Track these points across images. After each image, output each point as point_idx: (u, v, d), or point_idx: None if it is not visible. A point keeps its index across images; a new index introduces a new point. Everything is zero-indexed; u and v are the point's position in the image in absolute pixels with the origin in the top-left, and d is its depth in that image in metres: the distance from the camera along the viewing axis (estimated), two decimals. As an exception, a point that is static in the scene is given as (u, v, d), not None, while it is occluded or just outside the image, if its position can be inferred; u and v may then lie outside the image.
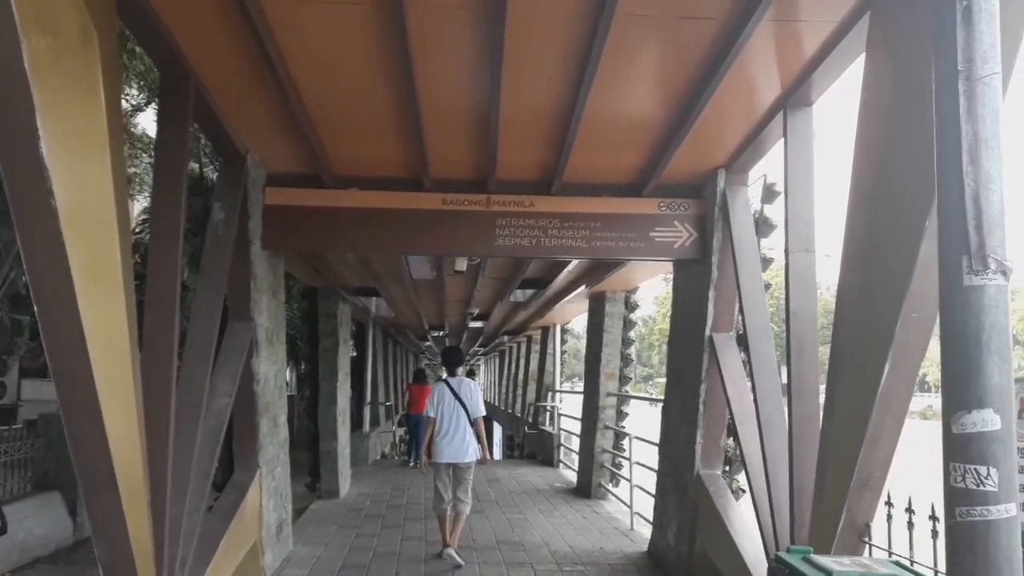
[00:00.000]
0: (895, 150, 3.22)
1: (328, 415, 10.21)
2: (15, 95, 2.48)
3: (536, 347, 17.88)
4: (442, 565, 6.51)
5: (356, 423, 14.74)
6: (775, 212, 5.83)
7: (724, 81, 4.33)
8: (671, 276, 6.87)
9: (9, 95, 2.49)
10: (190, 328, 4.90)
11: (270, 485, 6.21)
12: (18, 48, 2.43)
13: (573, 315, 14.86)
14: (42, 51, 2.55)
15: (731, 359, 5.85)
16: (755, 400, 5.11)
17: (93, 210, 2.96)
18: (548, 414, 15.27)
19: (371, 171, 5.96)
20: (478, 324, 15.20)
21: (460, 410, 6.63)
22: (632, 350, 10.36)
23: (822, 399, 4.40)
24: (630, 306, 10.13)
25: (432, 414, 6.68)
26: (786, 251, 4.58)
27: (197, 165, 8.01)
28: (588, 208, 6.05)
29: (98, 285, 2.98)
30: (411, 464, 14.04)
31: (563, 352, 16.17)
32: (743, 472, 6.00)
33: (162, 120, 4.28)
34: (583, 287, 9.38)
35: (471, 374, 17.76)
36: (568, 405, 14.65)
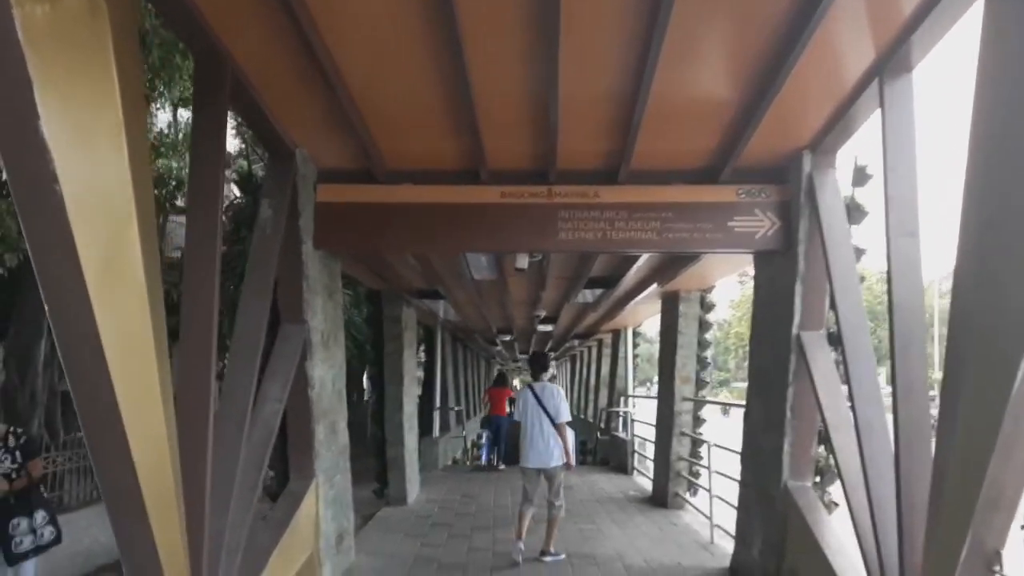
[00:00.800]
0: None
1: (394, 420, 9.99)
2: (9, 69, 2.23)
3: (607, 351, 17.39)
4: (508, 580, 6.17)
5: (426, 428, 14.56)
6: (867, 197, 5.28)
7: (807, 50, 3.88)
8: (749, 273, 6.37)
9: (2, 69, 2.23)
10: (235, 332, 4.66)
11: (328, 494, 5.95)
12: (9, 16, 2.17)
13: (645, 317, 14.33)
14: (38, 19, 2.30)
15: (822, 359, 5.30)
16: (852, 404, 4.56)
17: (108, 200, 2.70)
18: (621, 419, 14.77)
19: (425, 164, 5.65)
20: (547, 327, 14.79)
21: (543, 415, 6.74)
22: (709, 353, 9.79)
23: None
24: (706, 306, 9.56)
25: (517, 418, 6.93)
26: (887, 236, 4.06)
27: (246, 163, 7.87)
28: (658, 197, 5.58)
29: (115, 283, 2.72)
30: (497, 466, 13.95)
31: (635, 356, 15.62)
32: (836, 484, 5.51)
33: (197, 108, 4.04)
34: (655, 286, 8.87)
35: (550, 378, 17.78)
36: (642, 410, 14.11)
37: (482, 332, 17.96)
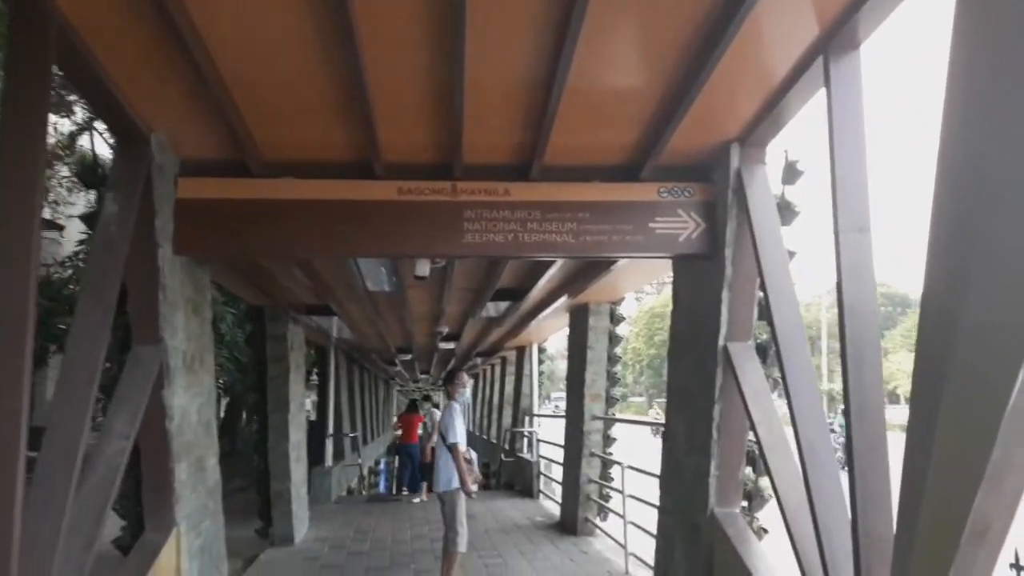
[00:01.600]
0: (1010, 92, 2.24)
1: (279, 451, 9.03)
2: None
3: (511, 368, 16.87)
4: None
5: (317, 457, 13.56)
6: (799, 195, 4.90)
7: (741, 30, 3.45)
8: (645, 289, 5.91)
9: None
10: (65, 354, 3.78)
11: (193, 544, 5.04)
12: None
13: (551, 332, 13.89)
14: None
15: (751, 373, 4.84)
16: (793, 422, 4.10)
17: None
18: (526, 440, 14.21)
19: (309, 155, 4.88)
20: (449, 345, 14.08)
21: (440, 437, 6.58)
22: (619, 368, 9.34)
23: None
24: (615, 319, 9.14)
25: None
26: (835, 231, 3.62)
27: (89, 149, 6.81)
28: (574, 195, 5.02)
29: None
30: (412, 497, 13.20)
31: (540, 373, 15.13)
32: (765, 509, 5.09)
33: (10, 72, 3.18)
34: (564, 298, 8.34)
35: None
36: (548, 430, 13.61)
37: (380, 352, 17.05)
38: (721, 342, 4.93)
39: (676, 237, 5.05)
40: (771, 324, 4.43)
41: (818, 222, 4.99)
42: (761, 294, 4.92)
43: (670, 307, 5.84)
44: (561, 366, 56.79)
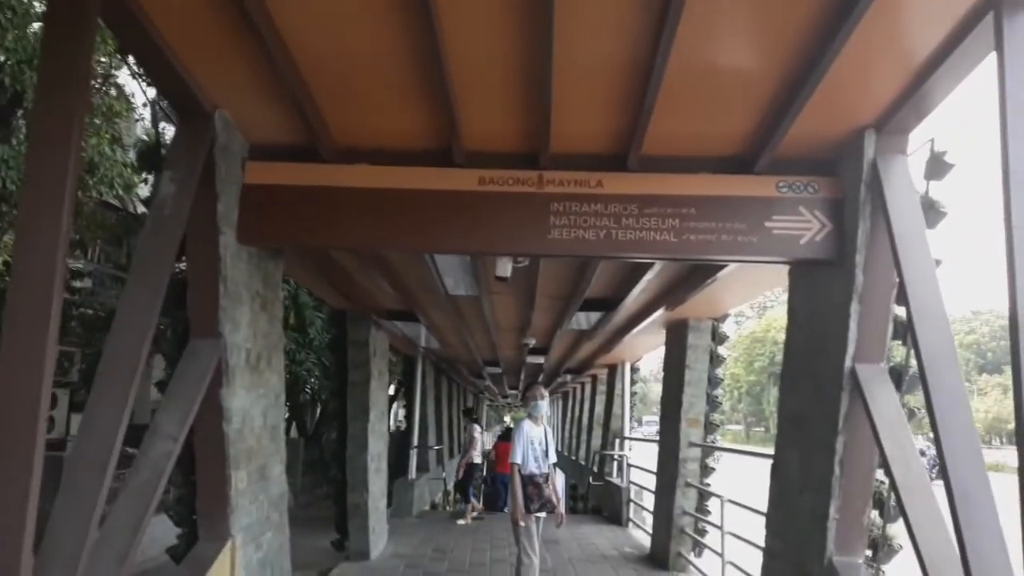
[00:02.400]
0: None
1: (357, 461, 8.70)
2: None
3: (602, 387, 16.18)
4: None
5: (400, 469, 13.29)
6: (945, 193, 4.15)
7: None
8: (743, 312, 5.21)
9: None
10: (106, 344, 3.46)
11: (251, 557, 4.68)
12: None
13: (645, 350, 13.16)
14: None
15: (885, 400, 4.08)
16: (942, 462, 3.35)
17: None
18: (616, 464, 13.49)
19: (385, 141, 4.50)
20: (537, 359, 13.56)
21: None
22: (720, 391, 8.56)
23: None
24: (718, 338, 8.37)
25: (518, 460, 6.11)
26: (1007, 227, 2.91)
27: (152, 128, 6.64)
28: (677, 189, 4.41)
29: None
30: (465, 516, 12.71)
31: (633, 394, 14.39)
32: (894, 561, 4.32)
33: (50, 21, 2.90)
34: (661, 310, 7.66)
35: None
36: (640, 454, 12.85)
37: (468, 364, 16.72)
38: (848, 363, 4.20)
39: (797, 239, 4.36)
40: (915, 344, 3.70)
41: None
42: (896, 308, 4.22)
43: (770, 332, 5.15)
44: (654, 389, 55.28)
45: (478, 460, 13.07)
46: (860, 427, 4.18)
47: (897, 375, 4.21)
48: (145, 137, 6.91)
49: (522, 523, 5.94)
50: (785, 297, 5.21)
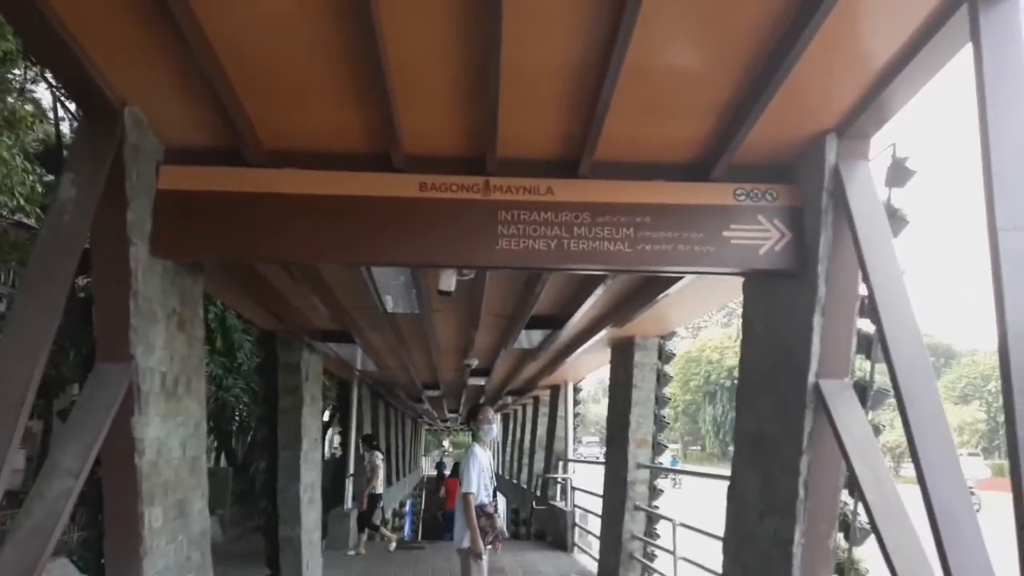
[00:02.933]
0: None
1: (289, 493, 8.19)
2: None
3: (545, 409, 15.91)
4: None
5: (335, 498, 12.71)
6: (907, 201, 4.01)
7: None
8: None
9: None
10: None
11: (167, 605, 4.18)
12: None
13: (588, 370, 12.95)
14: None
15: (851, 417, 3.89)
16: (922, 482, 3.15)
17: None
18: (559, 487, 13.19)
19: (316, 144, 4.12)
20: (478, 381, 13.21)
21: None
22: (667, 411, 8.37)
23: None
24: (665, 356, 8.18)
25: (473, 489, 5.72)
26: (990, 231, 2.73)
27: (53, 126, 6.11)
28: (632, 196, 4.17)
29: None
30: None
31: (576, 415, 14.16)
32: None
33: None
34: (608, 328, 7.42)
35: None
36: (583, 477, 12.60)
37: (406, 387, 16.22)
38: (811, 379, 4.00)
39: (756, 249, 4.15)
40: (887, 357, 3.51)
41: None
42: (858, 320, 4.06)
43: (704, 351, 4.95)
44: (592, 409, 55.40)
45: (380, 490, 12.58)
46: (825, 446, 3.99)
47: (861, 390, 4.04)
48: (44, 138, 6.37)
49: (484, 557, 5.57)
50: (717, 317, 5.04)
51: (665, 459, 8.60)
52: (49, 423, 12.09)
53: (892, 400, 3.59)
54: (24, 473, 12.68)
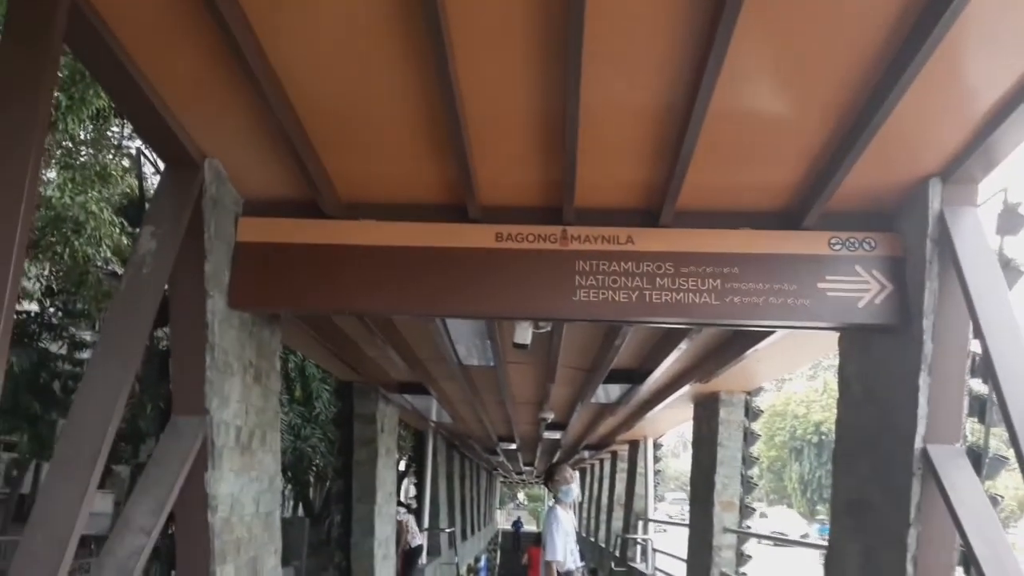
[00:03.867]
0: None
1: (363, 547, 8.09)
2: None
3: (623, 464, 15.42)
4: None
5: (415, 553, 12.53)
6: (1020, 249, 3.69)
7: (950, 33, 2.59)
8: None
9: None
10: (66, 423, 3.01)
11: (239, 668, 4.08)
12: None
13: (669, 426, 12.51)
14: None
15: (965, 486, 3.51)
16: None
17: None
18: (639, 548, 12.67)
19: (393, 195, 4.10)
20: (554, 435, 12.92)
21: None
22: (755, 472, 7.93)
23: None
24: (752, 413, 7.79)
25: (559, 557, 5.44)
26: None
27: (137, 181, 6.29)
28: (718, 246, 3.96)
29: None
30: None
31: (657, 472, 13.66)
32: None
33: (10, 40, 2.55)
34: (692, 383, 7.12)
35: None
36: (665, 539, 12.07)
37: (480, 439, 16.05)
38: (919, 444, 3.66)
39: (854, 302, 3.87)
40: (1007, 420, 3.17)
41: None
42: (970, 380, 3.71)
43: (790, 405, 4.61)
44: (672, 464, 53.72)
45: (418, 541, 12.08)
46: (936, 518, 3.62)
47: (976, 457, 3.67)
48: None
49: None
50: (803, 370, 4.72)
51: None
52: (137, 468, 12.45)
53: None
54: (112, 518, 13.00)
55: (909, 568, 3.64)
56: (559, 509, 5.69)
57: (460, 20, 2.72)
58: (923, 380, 3.66)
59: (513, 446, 16.49)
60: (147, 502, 3.45)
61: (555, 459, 17.87)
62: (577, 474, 5.98)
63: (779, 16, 2.71)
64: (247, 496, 4.28)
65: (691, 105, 3.10)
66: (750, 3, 2.50)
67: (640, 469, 13.41)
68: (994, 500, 3.56)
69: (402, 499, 17.05)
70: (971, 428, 3.77)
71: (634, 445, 13.97)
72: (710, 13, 2.64)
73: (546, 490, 5.99)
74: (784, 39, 2.86)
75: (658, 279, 3.92)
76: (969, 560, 3.41)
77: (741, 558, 7.72)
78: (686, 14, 2.69)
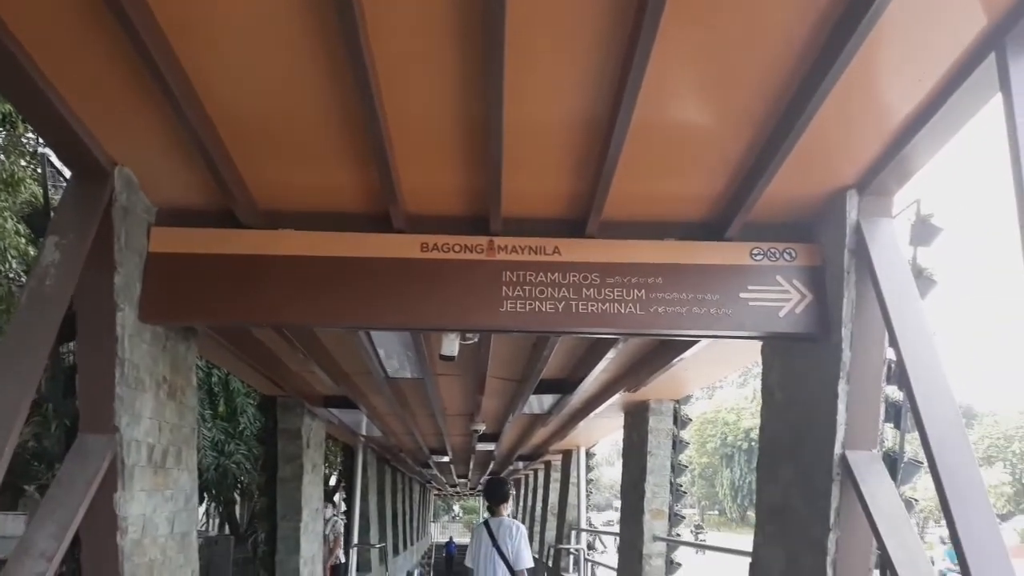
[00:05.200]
0: None
1: (288, 565, 7.85)
2: None
3: (556, 475, 15.45)
4: None
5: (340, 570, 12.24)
6: (934, 261, 3.82)
7: (866, 43, 2.64)
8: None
9: None
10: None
11: None
12: None
13: (601, 435, 12.57)
14: None
15: (882, 491, 3.61)
16: (962, 558, 2.89)
17: None
18: (572, 558, 12.68)
19: (313, 204, 3.99)
20: (487, 446, 12.86)
21: (498, 561, 5.61)
22: (685, 479, 8.02)
23: None
24: (680, 421, 7.88)
25: (469, 564, 5.82)
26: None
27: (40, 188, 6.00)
28: (643, 256, 3.98)
29: None
30: None
31: (589, 481, 13.71)
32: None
33: None
34: (621, 392, 7.15)
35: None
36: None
37: (412, 452, 15.84)
38: (838, 450, 3.74)
39: (775, 311, 3.94)
40: (919, 426, 3.25)
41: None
42: (886, 387, 3.82)
43: (721, 413, 4.68)
44: (608, 473, 54.08)
45: (343, 559, 11.62)
46: (854, 522, 3.71)
47: (891, 462, 3.78)
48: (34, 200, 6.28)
49: None
50: (733, 377, 4.80)
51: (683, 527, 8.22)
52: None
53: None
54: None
55: (829, 572, 3.72)
56: (487, 523, 5.83)
57: (379, 27, 2.66)
58: (842, 388, 3.75)
59: (446, 458, 16.33)
60: (49, 526, 3.24)
61: (489, 472, 17.82)
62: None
63: (699, 28, 2.74)
64: (160, 516, 4.08)
65: (614, 116, 3.10)
66: (670, 15, 2.51)
67: (573, 479, 13.44)
68: (909, 504, 3.67)
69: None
70: (888, 434, 3.88)
71: (567, 455, 14.01)
72: (630, 28, 2.65)
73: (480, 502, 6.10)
74: (704, 51, 2.89)
75: (584, 289, 3.91)
76: (885, 563, 3.50)
77: (671, 566, 7.78)
78: (608, 27, 2.69)
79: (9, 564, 3.13)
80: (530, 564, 5.75)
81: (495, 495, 6.04)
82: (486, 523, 5.87)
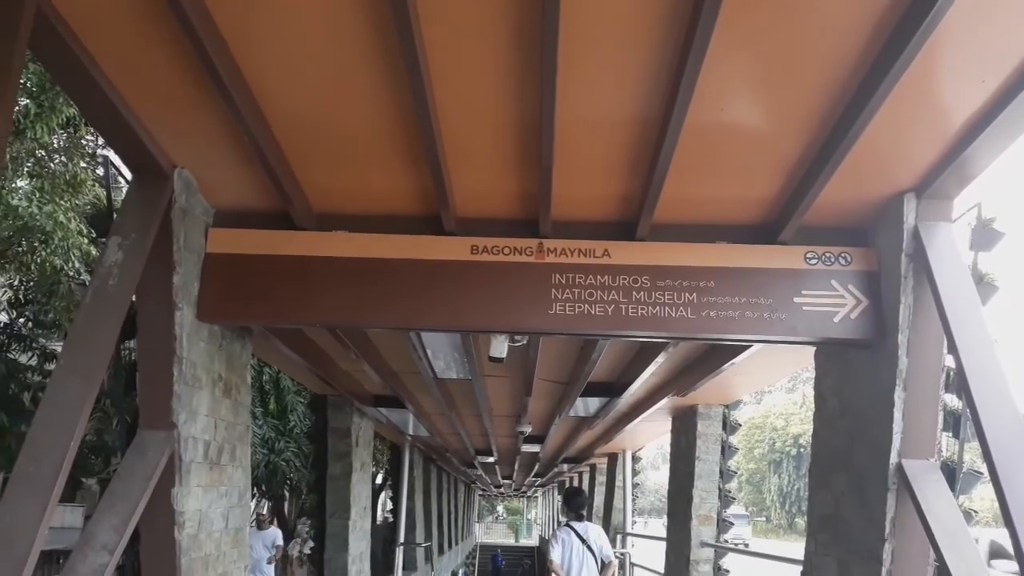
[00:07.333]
0: None
1: (337, 564, 7.95)
2: None
3: (601, 478, 15.36)
4: None
5: (387, 566, 12.40)
6: (995, 266, 3.71)
7: (926, 46, 2.60)
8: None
9: None
10: (26, 440, 2.91)
11: None
12: None
13: (647, 439, 12.48)
14: None
15: (940, 502, 3.51)
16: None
17: None
18: (617, 561, 12.58)
19: (366, 207, 4.05)
20: (533, 448, 12.84)
21: (587, 556, 6.36)
22: (733, 485, 7.91)
23: None
24: (729, 426, 7.77)
25: (556, 559, 6.36)
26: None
27: (105, 191, 6.17)
28: (694, 259, 3.94)
29: None
30: None
31: (635, 485, 13.61)
32: None
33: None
34: (670, 396, 7.09)
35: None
36: (644, 552, 12.00)
37: (458, 452, 15.93)
38: (894, 458, 3.66)
39: (829, 317, 3.86)
40: (980, 436, 3.16)
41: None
42: (944, 395, 3.71)
43: (769, 418, 4.59)
44: (653, 477, 53.61)
45: None
46: (910, 533, 3.62)
47: (950, 472, 3.67)
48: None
49: None
50: (782, 381, 4.71)
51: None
52: (106, 482, 12.22)
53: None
54: (82, 532, 12.73)
55: (884, 584, 3.63)
56: (573, 527, 6.53)
57: (435, 31, 2.69)
58: (898, 395, 3.66)
59: (491, 459, 16.37)
60: (111, 519, 3.36)
61: (532, 472, 17.81)
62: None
63: (754, 31, 2.71)
64: (216, 512, 4.20)
65: (667, 119, 3.08)
66: (725, 18, 2.49)
67: (619, 482, 13.36)
68: (968, 515, 3.57)
69: (378, 513, 16.86)
70: (945, 443, 3.78)
71: (612, 458, 13.93)
72: (685, 28, 2.63)
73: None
74: (759, 54, 2.86)
75: (634, 293, 3.89)
76: (941, 574, 3.41)
77: (719, 572, 7.68)
78: (662, 29, 2.68)
79: (73, 556, 3.25)
80: (614, 557, 6.64)
81: (579, 503, 6.87)
82: (571, 526, 6.54)
